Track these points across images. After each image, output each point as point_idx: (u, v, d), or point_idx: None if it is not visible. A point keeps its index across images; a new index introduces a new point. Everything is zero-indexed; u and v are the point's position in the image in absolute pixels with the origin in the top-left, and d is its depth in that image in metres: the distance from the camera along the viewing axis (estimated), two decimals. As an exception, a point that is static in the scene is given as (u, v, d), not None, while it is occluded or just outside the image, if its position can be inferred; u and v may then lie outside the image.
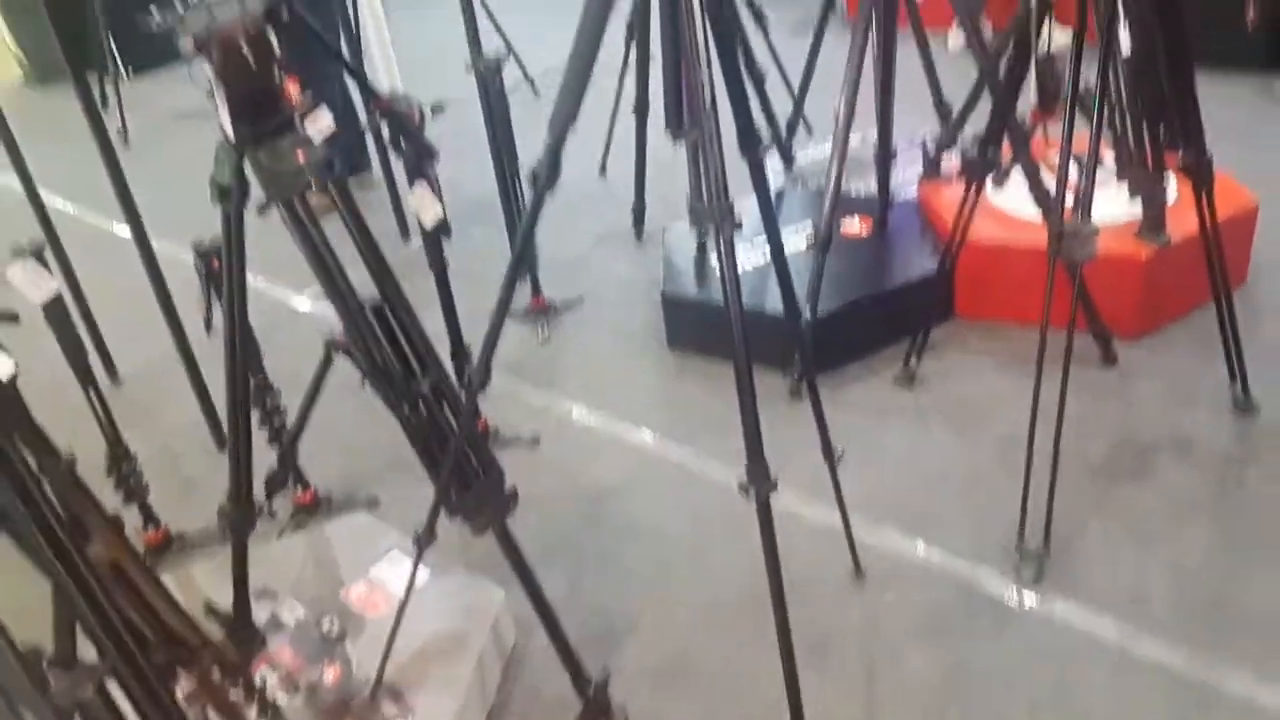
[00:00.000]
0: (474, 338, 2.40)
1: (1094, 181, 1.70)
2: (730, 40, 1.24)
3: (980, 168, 2.03)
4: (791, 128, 3.49)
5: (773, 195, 3.17)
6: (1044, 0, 1.76)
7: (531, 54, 4.80)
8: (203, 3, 1.27)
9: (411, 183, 1.89)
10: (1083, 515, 2.05)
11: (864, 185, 3.14)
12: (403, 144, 1.76)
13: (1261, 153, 3.08)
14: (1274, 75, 3.78)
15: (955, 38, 3.39)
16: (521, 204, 2.87)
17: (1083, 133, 1.76)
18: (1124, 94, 2.04)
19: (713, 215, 1.23)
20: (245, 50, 1.25)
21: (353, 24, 3.31)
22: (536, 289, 3.05)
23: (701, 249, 2.90)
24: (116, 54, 5.36)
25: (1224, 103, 3.52)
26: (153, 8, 1.23)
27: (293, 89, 1.33)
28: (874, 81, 2.61)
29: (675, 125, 1.32)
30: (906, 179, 3.06)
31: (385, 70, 3.17)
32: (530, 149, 2.95)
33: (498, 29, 4.63)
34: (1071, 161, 1.79)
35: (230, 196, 1.37)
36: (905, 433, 2.37)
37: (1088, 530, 2.02)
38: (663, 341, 2.81)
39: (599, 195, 3.68)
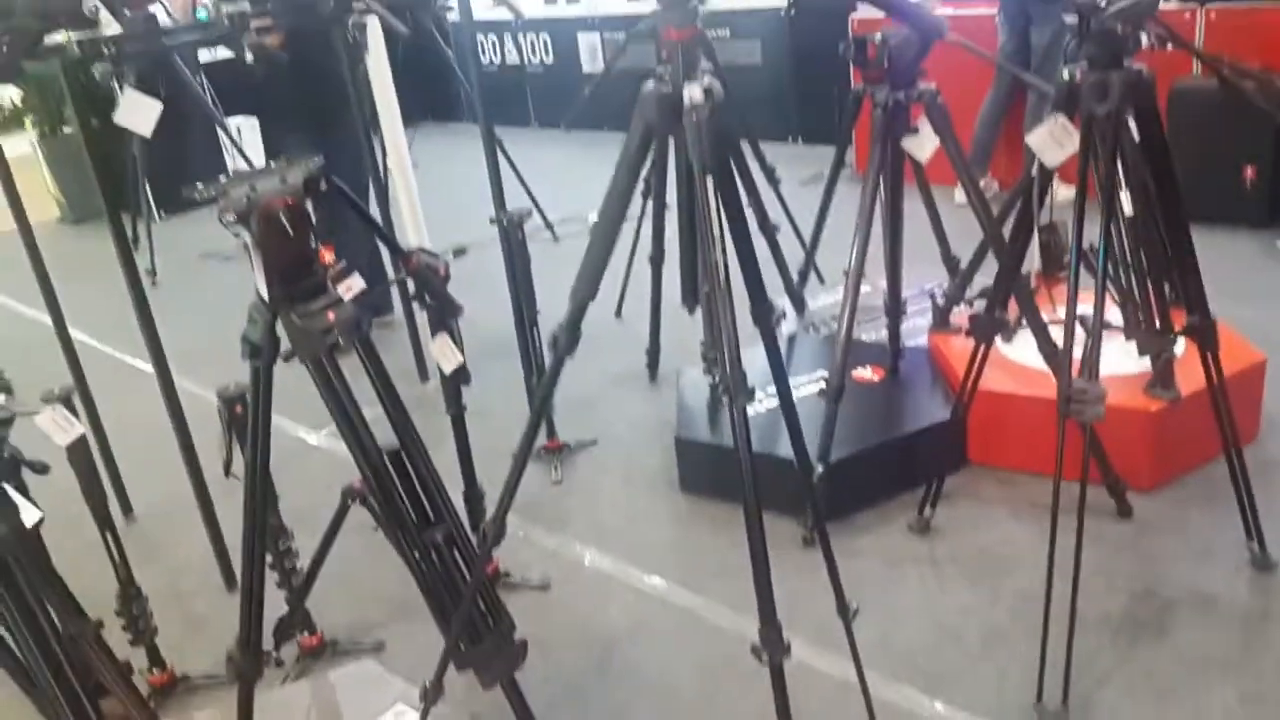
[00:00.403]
0: (487, 475, 2.42)
1: (1100, 343, 1.74)
2: (741, 215, 1.30)
3: (989, 328, 2.08)
4: (803, 275, 3.58)
5: (785, 342, 3.24)
6: (1045, 171, 1.84)
7: (551, 198, 4.99)
8: (244, 175, 1.35)
9: (434, 334, 1.95)
10: (1103, 672, 2.01)
11: (875, 333, 3.20)
12: (428, 299, 1.82)
13: (1265, 309, 3.14)
14: (1274, 231, 3.87)
15: (961, 192, 3.50)
16: (539, 346, 2.94)
17: (1088, 290, 1.81)
18: (1128, 253, 2.10)
19: (727, 385, 1.27)
20: (284, 220, 1.32)
21: (382, 178, 3.46)
22: (551, 430, 3.08)
23: (714, 392, 2.94)
24: (150, 196, 5.59)
25: (1226, 258, 3.62)
26: (199, 184, 1.31)
27: (327, 254, 1.39)
28: (883, 235, 2.70)
29: (691, 301, 1.38)
30: (916, 327, 3.12)
31: (412, 226, 3.30)
32: (548, 290, 3.06)
33: (521, 181, 4.83)
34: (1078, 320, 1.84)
35: (261, 354, 1.42)
36: (920, 584, 2.35)
37: (1108, 688, 1.98)
38: (675, 485, 2.82)
39: (614, 336, 3.75)
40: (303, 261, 1.38)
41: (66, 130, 6.31)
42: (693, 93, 1.21)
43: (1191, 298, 1.94)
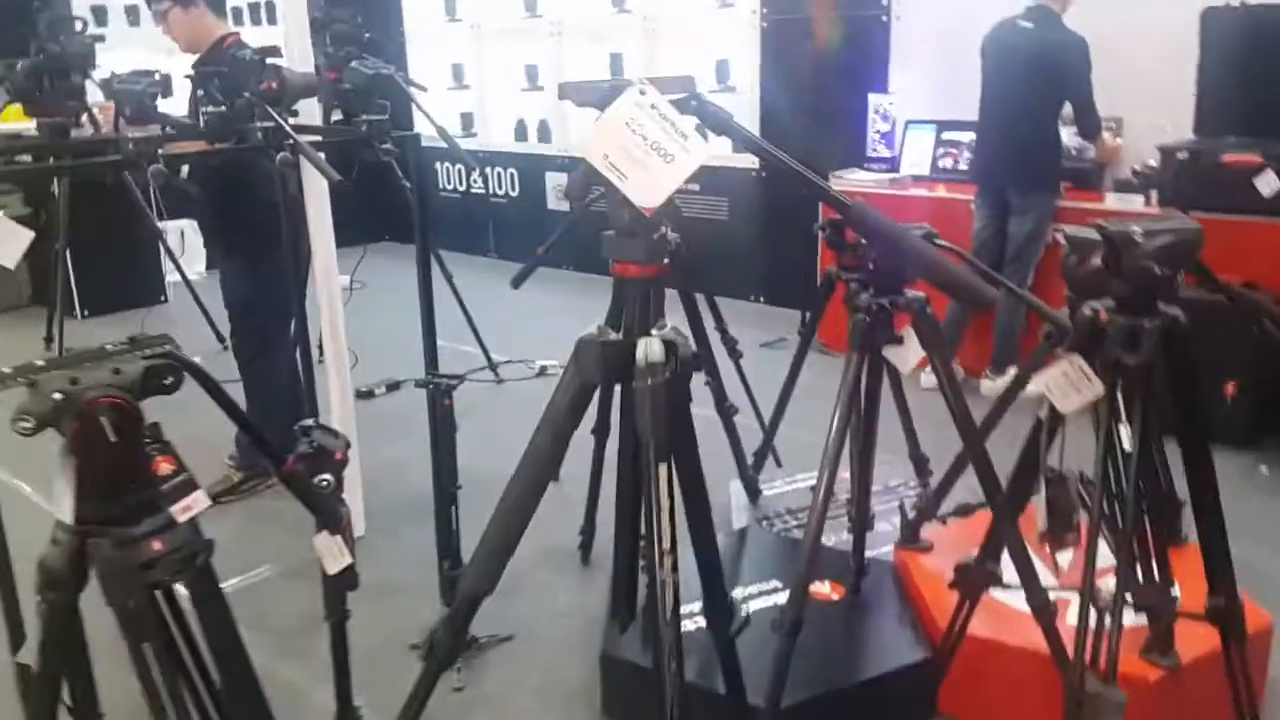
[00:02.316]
0: (383, 669, 2.04)
1: (1120, 633, 1.45)
2: (704, 502, 1.01)
3: (977, 581, 1.79)
4: (759, 458, 3.30)
5: (735, 537, 2.92)
6: (1055, 415, 1.58)
7: (498, 337, 4.74)
8: (70, 359, 1.03)
9: (318, 531, 1.60)
10: None
11: (834, 535, 2.90)
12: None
13: (1252, 545, 2.86)
14: (1257, 453, 3.69)
15: (928, 377, 3.26)
16: (457, 524, 2.63)
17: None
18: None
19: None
20: (107, 423, 0.99)
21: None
22: (463, 618, 2.70)
23: (652, 599, 2.58)
24: (75, 294, 5.24)
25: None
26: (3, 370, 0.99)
27: (165, 464, 1.07)
28: (851, 439, 2.42)
29: (625, 614, 1.07)
30: (879, 532, 2.81)
31: (335, 364, 3.00)
32: (484, 439, 2.73)
33: (468, 319, 4.57)
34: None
35: (60, 588, 1.07)
36: None
37: None
38: (597, 706, 2.44)
39: (546, 506, 3.41)
40: (126, 473, 1.05)
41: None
42: (650, 349, 0.91)
43: (1216, 576, 1.67)
